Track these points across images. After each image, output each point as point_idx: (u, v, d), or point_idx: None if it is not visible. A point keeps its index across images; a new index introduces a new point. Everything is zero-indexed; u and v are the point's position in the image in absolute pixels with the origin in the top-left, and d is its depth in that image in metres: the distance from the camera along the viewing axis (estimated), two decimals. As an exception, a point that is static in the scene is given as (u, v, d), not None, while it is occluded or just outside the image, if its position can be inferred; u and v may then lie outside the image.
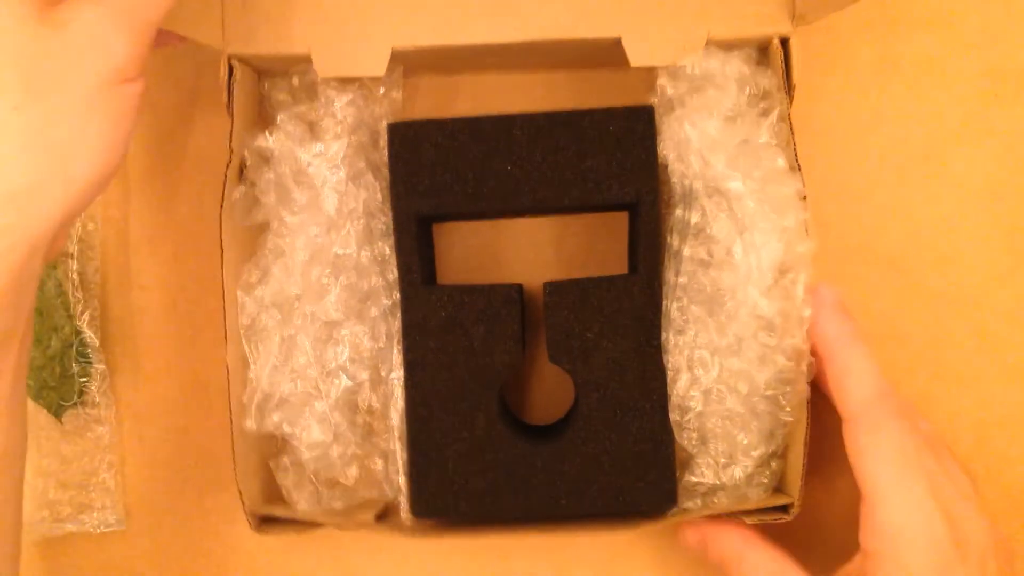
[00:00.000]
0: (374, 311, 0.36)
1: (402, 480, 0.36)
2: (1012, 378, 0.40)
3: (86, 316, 0.38)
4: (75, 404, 0.39)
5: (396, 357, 0.36)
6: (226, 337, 0.35)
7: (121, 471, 0.40)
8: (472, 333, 0.35)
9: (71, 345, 0.38)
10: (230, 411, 0.35)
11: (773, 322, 0.34)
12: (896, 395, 0.32)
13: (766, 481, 0.36)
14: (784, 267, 0.34)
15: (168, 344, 0.40)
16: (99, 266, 0.39)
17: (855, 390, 0.32)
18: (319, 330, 0.36)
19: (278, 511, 0.36)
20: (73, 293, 0.38)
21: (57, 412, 0.39)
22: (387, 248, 0.36)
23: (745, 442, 0.35)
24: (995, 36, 0.40)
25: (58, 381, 0.38)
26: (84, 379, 0.38)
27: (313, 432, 0.36)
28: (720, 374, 0.34)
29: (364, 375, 0.36)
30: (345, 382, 0.36)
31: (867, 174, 0.40)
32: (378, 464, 0.37)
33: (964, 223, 0.40)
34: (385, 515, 0.37)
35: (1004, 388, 0.40)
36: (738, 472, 0.35)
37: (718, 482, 0.35)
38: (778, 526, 0.34)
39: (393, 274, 0.36)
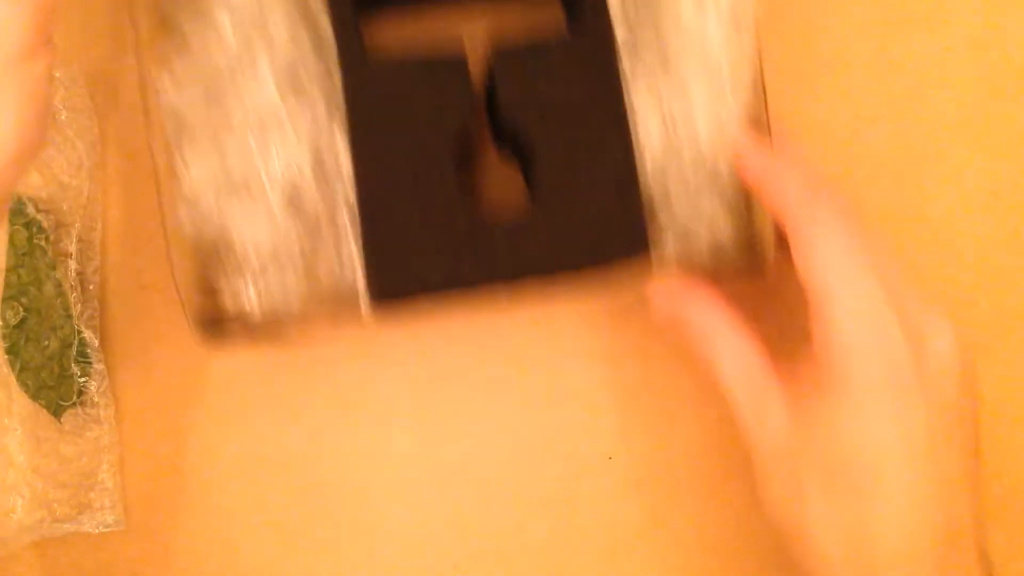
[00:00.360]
0: (316, 93, 0.33)
1: (358, 265, 0.33)
2: (1012, 378, 0.40)
3: (86, 316, 0.38)
4: (74, 404, 0.39)
5: (341, 142, 0.33)
6: (147, 125, 0.32)
7: (120, 471, 0.40)
8: (421, 103, 0.33)
9: (70, 345, 0.38)
10: (162, 214, 0.33)
11: (725, 78, 0.33)
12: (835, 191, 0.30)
13: (733, 242, 0.34)
14: (737, 19, 0.33)
15: (168, 344, 0.40)
16: (99, 266, 0.39)
17: (791, 185, 0.30)
18: (255, 117, 0.33)
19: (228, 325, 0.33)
20: (72, 293, 0.38)
21: (56, 412, 0.39)
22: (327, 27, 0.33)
23: (710, 207, 0.33)
24: (995, 36, 0.40)
25: (57, 381, 0.38)
26: (83, 379, 0.38)
27: (259, 232, 0.33)
28: (679, 131, 0.33)
29: (307, 168, 0.33)
30: (289, 174, 0.33)
31: (867, 174, 0.40)
32: (331, 257, 0.34)
33: (964, 223, 0.40)
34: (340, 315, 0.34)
35: (1004, 388, 0.40)
36: (703, 235, 0.33)
37: (683, 248, 0.33)
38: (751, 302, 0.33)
39: (333, 57, 0.33)
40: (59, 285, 0.38)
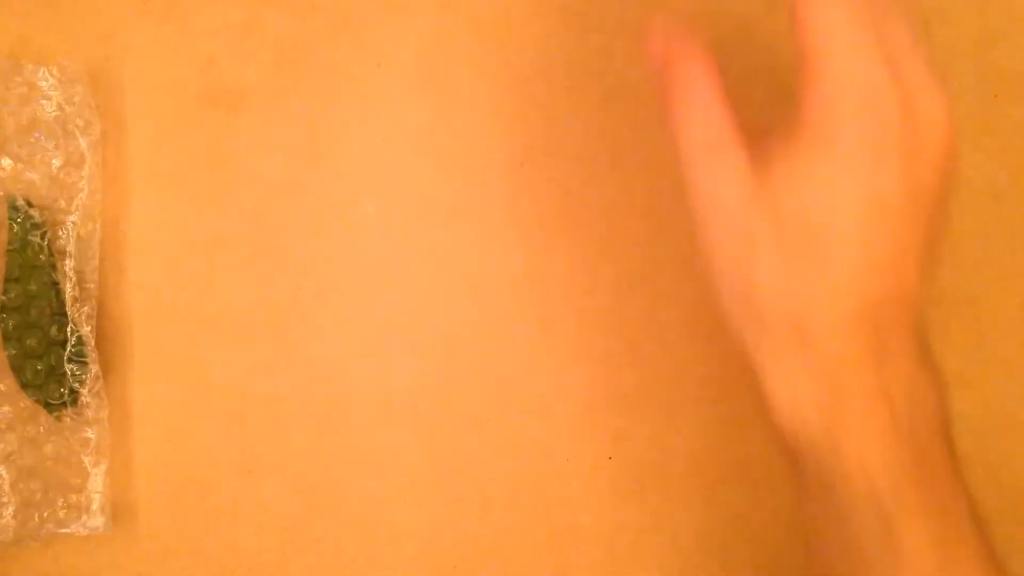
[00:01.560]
0: None
1: None
2: (1012, 378, 0.40)
3: (83, 314, 0.38)
4: (65, 404, 0.38)
5: None
6: None
7: (111, 473, 0.40)
8: None
9: (63, 343, 0.38)
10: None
11: None
12: None
13: None
14: None
15: (166, 344, 0.40)
16: (97, 265, 0.39)
17: None
18: None
19: None
20: (70, 291, 0.38)
21: (48, 410, 0.39)
22: None
23: None
24: (995, 36, 0.40)
25: (44, 380, 0.38)
26: (78, 380, 0.38)
27: None
28: None
29: None
30: None
31: (867, 174, 0.40)
32: None
33: (964, 223, 0.40)
34: None
35: (1004, 388, 0.40)
36: None
37: None
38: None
39: None
40: (55, 283, 0.38)
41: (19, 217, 0.38)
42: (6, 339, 0.38)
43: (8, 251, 0.38)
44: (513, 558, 0.40)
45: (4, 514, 0.37)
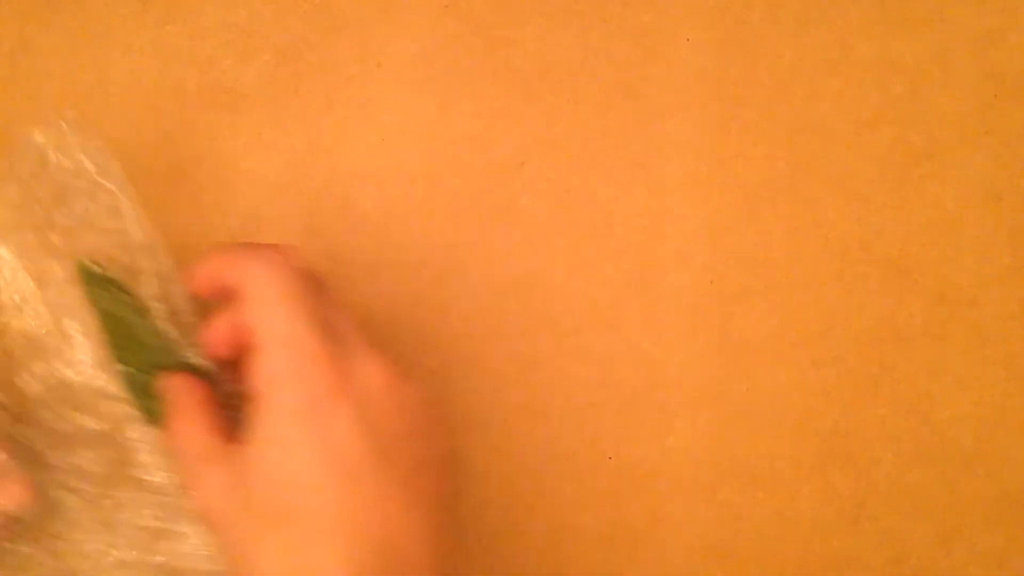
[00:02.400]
0: None
1: None
2: (1012, 378, 0.40)
3: (195, 351, 0.35)
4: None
5: None
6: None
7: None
8: None
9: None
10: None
11: None
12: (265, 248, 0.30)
13: None
14: None
15: (167, 344, 0.40)
16: (183, 291, 0.36)
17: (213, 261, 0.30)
18: None
19: None
20: (175, 335, 0.35)
21: None
22: None
23: None
24: (995, 36, 0.40)
25: None
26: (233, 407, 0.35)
27: None
28: None
29: None
30: None
31: (867, 174, 0.40)
32: None
33: (964, 223, 0.40)
34: None
35: (1004, 388, 0.40)
36: None
37: None
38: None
39: None
40: (157, 332, 0.35)
41: (98, 282, 0.35)
42: (148, 404, 0.35)
43: (104, 320, 0.35)
44: (514, 558, 0.40)
45: None
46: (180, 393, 0.32)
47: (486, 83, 0.40)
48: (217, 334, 0.31)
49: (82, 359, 0.35)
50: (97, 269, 0.35)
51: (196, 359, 0.34)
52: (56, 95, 0.40)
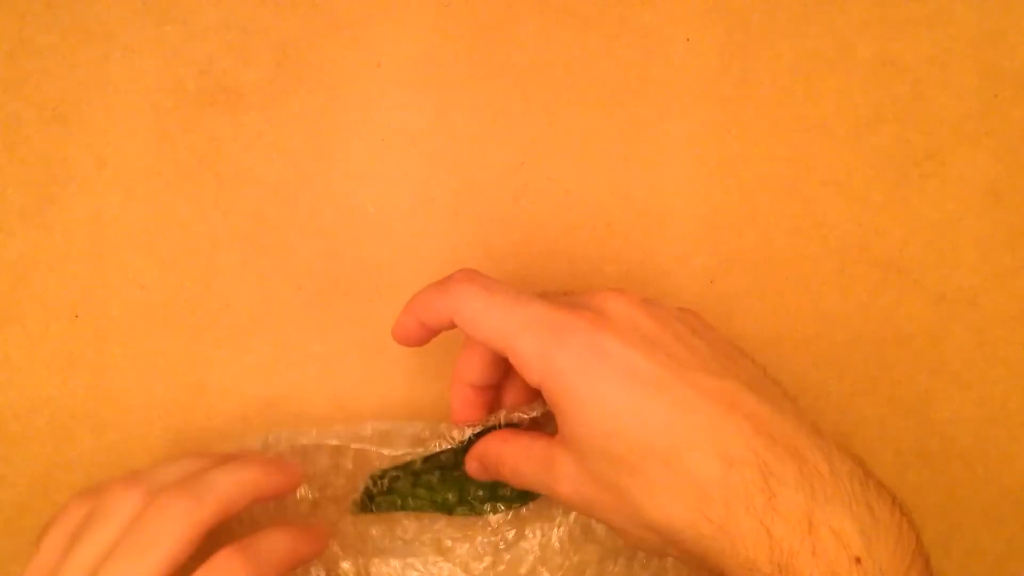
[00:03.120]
0: None
1: None
2: (1012, 378, 0.40)
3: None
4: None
5: None
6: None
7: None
8: None
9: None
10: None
11: None
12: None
13: None
14: None
15: (167, 344, 0.40)
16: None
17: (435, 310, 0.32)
18: None
19: None
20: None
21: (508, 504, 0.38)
22: None
23: None
24: (995, 36, 0.40)
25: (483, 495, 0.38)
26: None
27: None
28: None
29: None
30: None
31: (867, 174, 0.40)
32: None
33: (964, 223, 0.40)
34: None
35: (1004, 388, 0.40)
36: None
37: None
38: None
39: None
40: (429, 468, 0.37)
41: (372, 499, 0.37)
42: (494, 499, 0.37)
43: (408, 507, 0.37)
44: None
45: None
46: (493, 446, 0.34)
47: (486, 83, 0.40)
48: (468, 366, 0.34)
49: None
50: (363, 496, 0.37)
51: (462, 435, 0.35)
52: (56, 95, 0.40)
